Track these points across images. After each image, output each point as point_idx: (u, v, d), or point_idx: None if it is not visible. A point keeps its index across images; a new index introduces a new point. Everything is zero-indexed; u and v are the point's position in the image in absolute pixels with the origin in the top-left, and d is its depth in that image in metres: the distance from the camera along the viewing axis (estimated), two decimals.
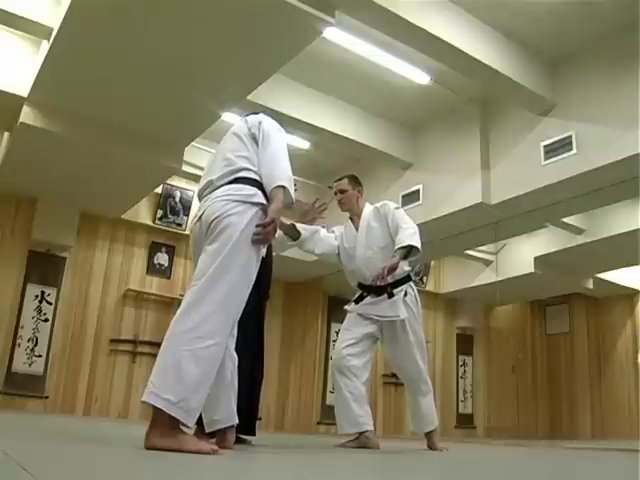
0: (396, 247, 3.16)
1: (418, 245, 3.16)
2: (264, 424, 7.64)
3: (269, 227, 2.05)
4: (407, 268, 3.37)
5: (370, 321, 3.34)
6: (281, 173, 2.15)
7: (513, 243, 8.21)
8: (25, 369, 6.31)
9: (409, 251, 3.18)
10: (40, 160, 5.80)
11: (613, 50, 4.90)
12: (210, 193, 2.17)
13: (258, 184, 2.15)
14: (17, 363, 6.29)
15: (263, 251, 2.17)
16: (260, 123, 2.29)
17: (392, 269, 3.09)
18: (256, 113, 2.51)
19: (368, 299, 3.37)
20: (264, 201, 2.12)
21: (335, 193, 3.55)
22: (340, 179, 3.57)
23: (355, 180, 3.57)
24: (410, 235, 3.17)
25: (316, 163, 7.07)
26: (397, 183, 6.66)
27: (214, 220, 2.06)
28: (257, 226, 2.06)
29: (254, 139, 2.26)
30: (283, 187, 2.10)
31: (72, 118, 5.22)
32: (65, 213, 6.71)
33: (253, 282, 2.09)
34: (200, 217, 2.15)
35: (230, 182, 2.15)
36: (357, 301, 3.43)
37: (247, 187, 2.13)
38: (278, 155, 2.20)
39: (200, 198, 2.25)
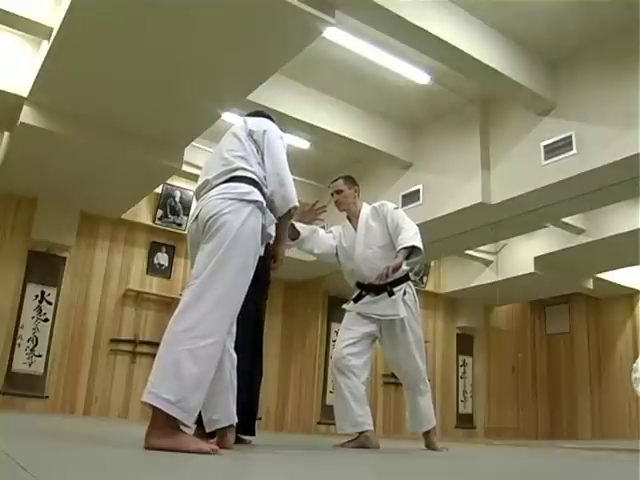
0: (399, 247, 3.16)
1: (421, 246, 3.18)
2: (264, 424, 7.64)
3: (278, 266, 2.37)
4: (406, 267, 3.37)
5: (369, 320, 3.34)
6: (292, 193, 2.23)
7: (513, 243, 8.21)
8: (25, 369, 6.31)
9: (411, 252, 3.19)
10: (40, 160, 5.79)
11: (613, 50, 4.90)
12: (206, 192, 2.17)
13: (254, 182, 2.16)
14: (17, 363, 6.29)
15: (261, 249, 2.18)
16: (265, 132, 2.30)
17: (395, 269, 3.10)
18: (257, 113, 2.51)
19: (367, 298, 3.37)
20: (260, 198, 2.13)
21: (332, 194, 3.56)
22: (335, 180, 3.59)
23: (351, 180, 3.58)
24: (412, 236, 3.19)
25: (316, 163, 7.08)
26: (397, 183, 6.66)
27: (210, 219, 2.06)
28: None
29: (255, 143, 2.27)
30: (293, 207, 2.23)
31: (72, 118, 5.22)
32: (65, 213, 6.70)
33: (251, 280, 2.10)
34: (197, 216, 2.16)
35: (226, 181, 2.15)
36: (356, 300, 3.43)
37: (243, 185, 2.13)
38: (285, 170, 2.26)
39: (197, 197, 2.26)
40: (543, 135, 5.29)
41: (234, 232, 2.03)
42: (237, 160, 2.20)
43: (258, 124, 2.34)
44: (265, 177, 2.22)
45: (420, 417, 3.41)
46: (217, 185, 2.15)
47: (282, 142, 2.34)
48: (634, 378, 6.31)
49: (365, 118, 6.25)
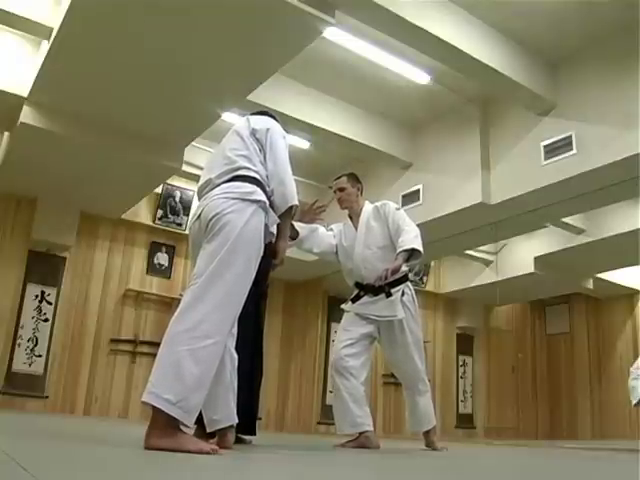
0: (399, 250, 3.16)
1: (421, 249, 3.17)
2: (264, 424, 7.64)
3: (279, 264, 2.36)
4: (405, 268, 3.36)
5: (368, 321, 3.34)
6: (292, 192, 2.23)
7: (513, 243, 8.21)
8: (25, 369, 6.32)
9: (411, 254, 3.19)
10: (40, 160, 5.79)
11: (613, 50, 4.90)
12: (209, 191, 2.17)
13: (257, 181, 2.16)
14: (17, 363, 6.29)
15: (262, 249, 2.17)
16: (268, 130, 2.30)
17: (394, 271, 3.09)
18: (261, 112, 2.50)
19: (365, 298, 3.37)
20: (263, 198, 2.13)
21: (334, 192, 3.55)
22: (339, 177, 3.57)
23: (354, 178, 3.57)
24: (413, 238, 3.18)
25: (316, 163, 7.08)
26: (397, 183, 6.66)
27: (213, 218, 2.06)
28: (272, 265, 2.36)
29: (258, 141, 2.27)
30: (292, 206, 2.23)
31: (72, 118, 5.22)
32: (65, 213, 6.70)
33: (253, 280, 2.09)
34: (199, 215, 2.15)
35: (229, 180, 2.15)
36: (354, 300, 3.42)
37: (246, 184, 2.13)
38: (287, 170, 2.26)
39: (199, 196, 2.26)
40: (543, 135, 5.29)
41: (237, 232, 2.02)
42: (240, 159, 2.20)
43: (261, 123, 2.34)
44: (267, 176, 2.23)
45: (420, 417, 3.41)
46: (220, 184, 2.15)
47: (284, 142, 2.34)
48: (631, 386, 6.28)
49: (365, 118, 6.25)
